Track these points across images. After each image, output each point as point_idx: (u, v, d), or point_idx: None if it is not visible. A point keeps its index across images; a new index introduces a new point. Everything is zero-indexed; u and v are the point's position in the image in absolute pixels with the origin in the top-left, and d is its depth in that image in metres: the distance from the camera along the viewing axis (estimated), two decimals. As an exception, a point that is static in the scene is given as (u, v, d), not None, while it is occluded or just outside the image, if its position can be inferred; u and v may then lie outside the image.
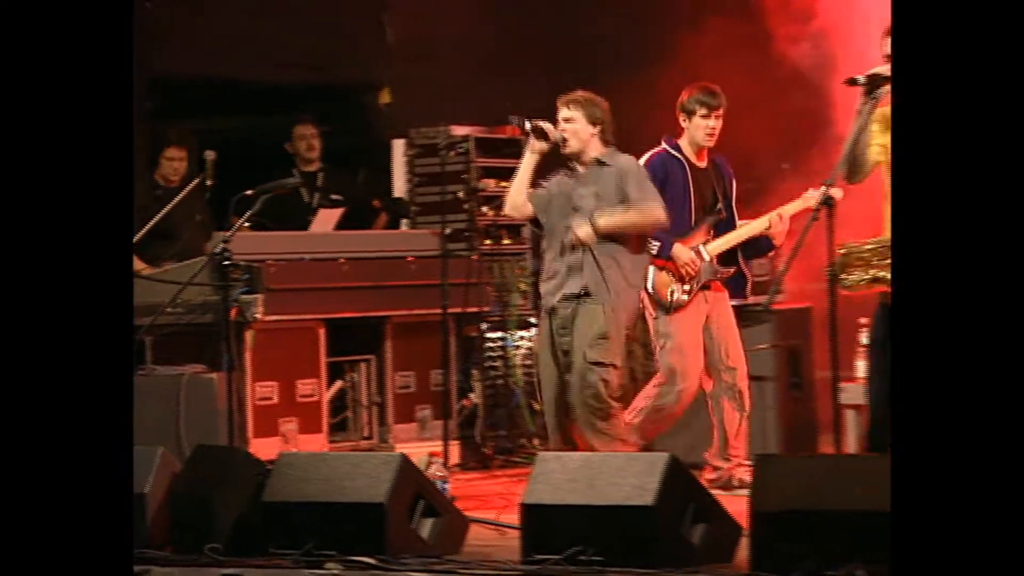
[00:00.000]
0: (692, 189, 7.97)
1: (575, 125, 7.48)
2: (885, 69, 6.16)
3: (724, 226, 8.08)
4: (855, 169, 6.22)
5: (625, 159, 7.57)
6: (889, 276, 6.13)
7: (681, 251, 7.89)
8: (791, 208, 7.86)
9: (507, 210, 7.76)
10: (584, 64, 10.66)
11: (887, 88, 6.13)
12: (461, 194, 9.83)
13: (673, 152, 7.99)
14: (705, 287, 7.94)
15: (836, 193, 6.22)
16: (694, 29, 10.52)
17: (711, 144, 8.00)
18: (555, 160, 7.66)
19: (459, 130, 9.99)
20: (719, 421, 8.04)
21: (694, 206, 7.98)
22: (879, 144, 6.26)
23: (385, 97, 11.16)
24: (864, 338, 8.73)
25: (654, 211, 7.44)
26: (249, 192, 7.83)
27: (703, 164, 8.06)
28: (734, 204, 8.16)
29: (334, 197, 10.09)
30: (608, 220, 7.40)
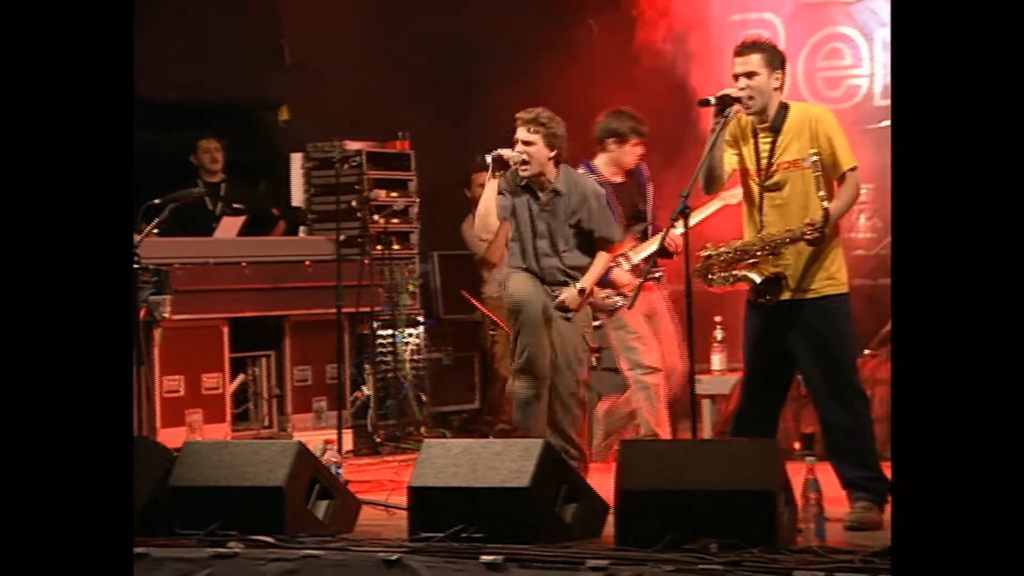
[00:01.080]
0: (616, 205, 7.82)
1: (534, 148, 7.04)
2: (734, 90, 6.23)
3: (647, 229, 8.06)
4: (711, 181, 6.27)
5: (582, 186, 7.21)
6: (749, 275, 6.21)
7: (620, 276, 7.84)
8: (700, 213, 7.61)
9: (478, 232, 7.33)
10: (463, 77, 10.67)
11: (737, 107, 6.21)
12: (354, 204, 9.81)
13: (592, 175, 7.83)
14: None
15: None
16: (568, 26, 10.54)
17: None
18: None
19: (352, 145, 9.98)
20: (640, 411, 7.98)
21: (618, 220, 7.84)
22: (733, 153, 6.32)
23: (284, 114, 11.10)
24: (719, 334, 8.85)
25: (614, 244, 7.31)
26: (157, 201, 7.75)
27: (619, 179, 8.00)
28: (651, 208, 8.10)
29: (236, 206, 10.02)
30: (589, 281, 7.18)
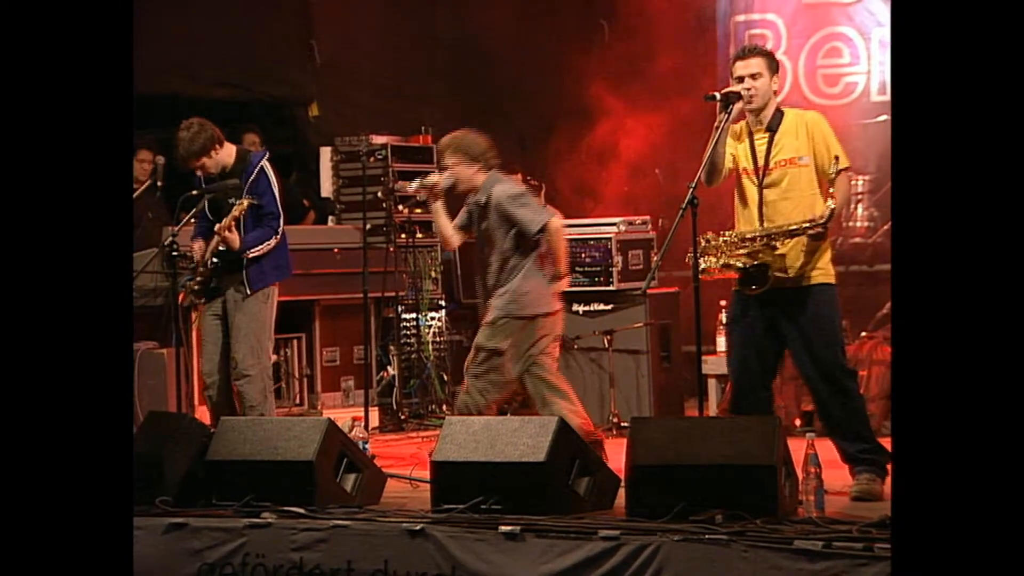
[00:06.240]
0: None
1: (457, 168, 6.99)
2: (740, 88, 6.23)
3: None
4: (712, 174, 6.28)
5: (495, 192, 6.97)
6: (738, 264, 6.21)
7: None
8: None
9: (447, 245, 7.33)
10: (483, 76, 10.67)
11: (740, 105, 6.21)
12: (380, 194, 9.81)
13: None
14: None
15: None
16: (580, 37, 10.51)
17: None
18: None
19: (378, 139, 9.98)
20: None
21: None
22: (731, 153, 6.33)
23: (314, 110, 11.10)
24: (724, 316, 8.83)
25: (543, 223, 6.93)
26: (194, 192, 7.77)
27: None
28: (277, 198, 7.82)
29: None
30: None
